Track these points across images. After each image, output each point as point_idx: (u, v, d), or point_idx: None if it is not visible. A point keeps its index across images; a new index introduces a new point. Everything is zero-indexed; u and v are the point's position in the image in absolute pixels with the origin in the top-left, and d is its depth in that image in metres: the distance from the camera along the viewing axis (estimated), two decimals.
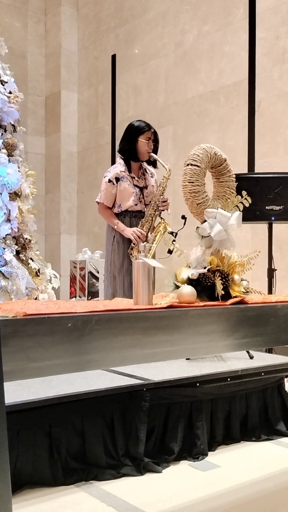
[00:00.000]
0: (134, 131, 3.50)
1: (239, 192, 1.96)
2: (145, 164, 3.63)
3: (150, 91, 6.23)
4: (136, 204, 3.51)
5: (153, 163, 3.63)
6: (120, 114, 6.65)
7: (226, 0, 5.34)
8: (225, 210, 1.88)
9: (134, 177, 3.54)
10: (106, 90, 6.92)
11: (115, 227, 3.49)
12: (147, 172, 3.62)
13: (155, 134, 3.52)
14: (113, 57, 6.78)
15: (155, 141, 3.53)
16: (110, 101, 6.83)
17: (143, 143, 3.48)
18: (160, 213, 3.49)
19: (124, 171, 3.52)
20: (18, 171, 4.31)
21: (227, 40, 5.33)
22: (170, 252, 3.16)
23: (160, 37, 6.09)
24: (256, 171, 4.97)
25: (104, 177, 3.54)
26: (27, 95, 7.26)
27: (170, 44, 5.96)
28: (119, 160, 3.58)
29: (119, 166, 3.54)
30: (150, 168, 3.65)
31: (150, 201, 3.56)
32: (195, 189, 1.85)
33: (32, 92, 7.48)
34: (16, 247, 4.19)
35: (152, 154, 3.50)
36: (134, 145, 3.50)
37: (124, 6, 6.62)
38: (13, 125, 4.43)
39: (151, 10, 6.21)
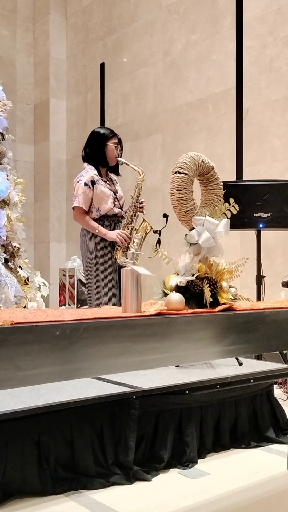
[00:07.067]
0: (100, 138, 3.54)
1: (227, 200, 1.97)
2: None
3: (139, 99, 6.26)
4: (113, 207, 3.51)
5: (116, 171, 3.67)
6: (109, 122, 6.67)
7: (213, 10, 5.38)
8: (213, 217, 1.89)
9: (106, 181, 3.56)
10: (94, 98, 6.94)
11: (96, 231, 3.45)
12: (112, 178, 3.67)
13: (119, 140, 3.60)
14: (102, 65, 6.81)
15: (121, 146, 3.59)
16: (99, 109, 6.85)
17: (112, 147, 3.53)
18: (138, 215, 3.53)
19: (97, 175, 3.52)
20: (7, 179, 4.30)
21: (214, 49, 5.37)
22: (157, 233, 3.27)
23: (148, 46, 6.13)
24: (244, 178, 5.00)
25: (78, 182, 3.48)
26: (16, 103, 7.26)
27: (159, 52, 6.00)
28: (89, 166, 3.55)
29: (92, 170, 3.52)
30: (112, 175, 3.69)
31: (122, 205, 3.60)
32: (183, 197, 1.86)
33: (21, 100, 7.48)
34: (5, 255, 4.18)
35: (120, 158, 3.55)
36: (103, 150, 3.53)
37: (113, 15, 6.66)
38: (1, 133, 4.43)
39: (139, 19, 6.25)
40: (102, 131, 3.58)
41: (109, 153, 3.53)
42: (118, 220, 3.55)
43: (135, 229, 3.48)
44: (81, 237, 3.59)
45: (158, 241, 3.39)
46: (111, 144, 3.52)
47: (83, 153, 3.63)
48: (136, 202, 3.48)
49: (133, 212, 3.48)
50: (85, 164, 3.59)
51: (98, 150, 3.54)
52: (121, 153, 3.60)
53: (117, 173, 3.70)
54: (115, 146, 3.54)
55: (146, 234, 3.47)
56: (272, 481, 2.27)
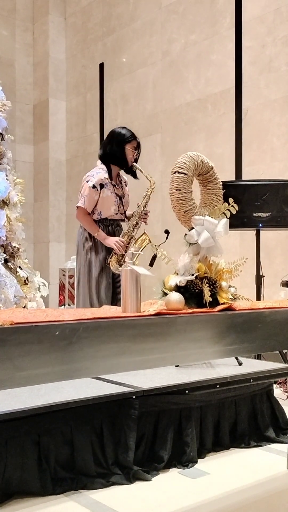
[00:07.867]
0: (120, 138, 3.45)
1: (226, 200, 1.97)
2: (121, 172, 3.60)
3: (138, 99, 6.26)
4: (116, 214, 3.49)
5: (133, 173, 3.59)
6: (108, 122, 6.67)
7: (212, 10, 5.39)
8: (212, 217, 1.89)
9: (115, 185, 3.49)
10: (94, 98, 6.94)
11: (96, 234, 3.42)
12: (122, 180, 3.61)
13: (138, 143, 3.51)
14: (101, 65, 6.81)
15: (139, 150, 3.52)
16: (98, 109, 6.85)
17: (129, 151, 3.44)
18: (140, 225, 3.47)
19: (107, 178, 3.45)
20: (6, 179, 4.30)
21: (214, 49, 5.37)
22: (151, 265, 3.20)
23: (147, 46, 6.13)
24: (243, 178, 5.00)
25: (87, 182, 3.44)
26: (15, 104, 7.26)
27: (158, 52, 6.00)
28: (101, 166, 3.50)
29: (102, 172, 3.46)
30: (124, 176, 3.63)
31: (125, 211, 3.56)
32: (182, 197, 1.86)
33: (20, 100, 7.48)
34: (4, 255, 4.18)
35: (134, 164, 3.47)
36: (118, 152, 3.45)
37: (112, 15, 6.66)
38: (1, 134, 4.43)
39: (139, 19, 6.25)
40: (122, 132, 3.47)
41: (125, 156, 3.45)
42: (117, 224, 3.54)
43: (135, 238, 3.45)
44: (79, 235, 3.57)
45: (154, 257, 3.30)
46: (128, 148, 3.44)
47: (100, 151, 3.55)
48: (142, 212, 3.44)
49: (136, 222, 3.44)
50: (98, 162, 3.53)
51: (114, 151, 3.45)
52: (138, 158, 3.50)
53: (135, 177, 3.60)
54: (132, 151, 3.45)
55: (144, 247, 3.42)
56: (272, 481, 2.27)
